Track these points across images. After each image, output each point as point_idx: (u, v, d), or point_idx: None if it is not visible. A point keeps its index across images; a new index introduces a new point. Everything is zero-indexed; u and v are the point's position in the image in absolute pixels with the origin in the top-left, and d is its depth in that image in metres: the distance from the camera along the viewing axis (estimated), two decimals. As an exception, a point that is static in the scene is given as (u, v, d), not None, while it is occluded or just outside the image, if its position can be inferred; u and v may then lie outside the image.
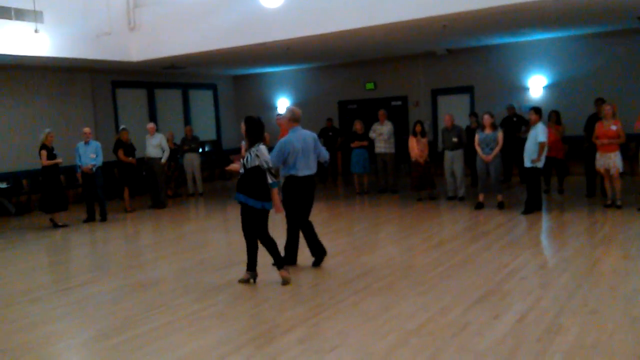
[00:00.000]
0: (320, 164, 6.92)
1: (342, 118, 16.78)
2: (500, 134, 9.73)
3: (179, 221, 11.02)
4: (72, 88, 14.18)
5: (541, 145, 9.04)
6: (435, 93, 15.58)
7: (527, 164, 9.21)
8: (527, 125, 9.84)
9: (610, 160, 9.08)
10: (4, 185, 12.64)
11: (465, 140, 10.98)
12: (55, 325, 5.26)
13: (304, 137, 6.61)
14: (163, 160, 12.40)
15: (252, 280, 6.14)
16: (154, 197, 12.44)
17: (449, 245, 7.46)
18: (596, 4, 9.47)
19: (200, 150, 15.07)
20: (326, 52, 13.58)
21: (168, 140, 12.94)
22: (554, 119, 10.85)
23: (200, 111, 17.87)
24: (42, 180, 10.69)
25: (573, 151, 12.52)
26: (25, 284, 6.84)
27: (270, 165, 5.96)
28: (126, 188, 11.93)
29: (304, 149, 6.53)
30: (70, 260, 8.48)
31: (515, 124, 12.36)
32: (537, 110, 9.34)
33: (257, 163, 5.91)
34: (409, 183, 11.84)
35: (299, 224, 6.76)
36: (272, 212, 6.16)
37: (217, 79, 18.37)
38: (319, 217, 10.47)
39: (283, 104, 18.04)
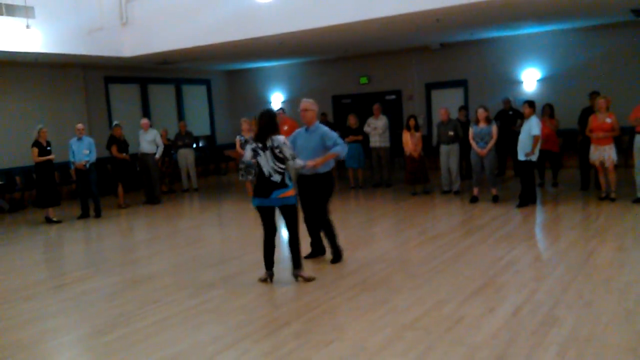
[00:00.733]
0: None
1: (337, 113, 16.76)
2: (494, 128, 9.74)
3: (173, 217, 11.00)
4: (64, 84, 14.09)
5: (535, 139, 9.06)
6: (429, 87, 15.58)
7: (521, 157, 9.22)
8: (523, 118, 9.85)
9: (605, 153, 9.10)
10: (-3, 182, 12.59)
11: (461, 134, 10.98)
12: (49, 322, 5.24)
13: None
14: (157, 156, 12.37)
15: (269, 280, 5.94)
16: (148, 193, 12.40)
17: (443, 239, 7.47)
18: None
19: (194, 145, 15.02)
20: (320, 46, 13.55)
21: (162, 136, 12.89)
22: (547, 112, 10.87)
23: (193, 106, 17.81)
24: (36, 176, 10.65)
25: (567, 144, 12.57)
26: (20, 281, 6.81)
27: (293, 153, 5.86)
28: (120, 184, 11.89)
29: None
30: (64, 257, 8.44)
31: (511, 117, 12.37)
32: (530, 103, 9.36)
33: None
34: (403, 177, 11.85)
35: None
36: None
37: (210, 74, 18.30)
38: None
39: (277, 98, 18.01)
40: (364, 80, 16.38)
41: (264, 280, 5.94)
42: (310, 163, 6.10)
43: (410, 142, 11.02)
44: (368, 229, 8.96)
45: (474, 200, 9.96)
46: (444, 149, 10.99)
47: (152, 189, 12.34)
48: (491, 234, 7.61)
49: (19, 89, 13.24)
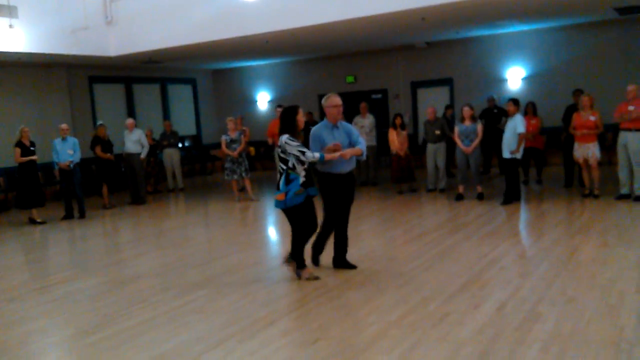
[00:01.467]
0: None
1: (323, 112, 16.71)
2: (480, 126, 9.80)
3: (158, 217, 10.94)
4: (48, 84, 13.96)
5: (520, 137, 9.13)
6: (415, 85, 15.63)
7: (506, 155, 9.28)
8: (507, 116, 9.92)
9: (589, 151, 9.19)
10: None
11: (448, 132, 11.03)
12: (33, 324, 5.19)
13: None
14: (142, 156, 12.30)
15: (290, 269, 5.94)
16: (134, 193, 12.33)
17: (429, 237, 7.51)
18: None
19: (180, 145, 14.96)
20: (306, 45, 13.54)
21: (147, 136, 12.82)
22: (530, 110, 10.94)
23: (179, 106, 17.72)
24: (19, 177, 10.55)
25: (551, 142, 12.67)
26: (3, 282, 6.75)
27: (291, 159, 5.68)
28: (105, 184, 11.80)
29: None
30: (48, 258, 8.37)
31: (496, 115, 12.45)
32: (515, 101, 9.42)
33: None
34: (389, 176, 11.88)
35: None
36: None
37: (196, 73, 18.22)
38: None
39: (263, 98, 17.97)
40: (350, 79, 16.40)
41: (314, 278, 5.79)
42: (336, 155, 5.74)
43: (396, 140, 11.05)
44: (354, 228, 8.93)
45: (459, 198, 10.01)
46: (430, 147, 11.03)
47: (137, 189, 12.27)
48: (476, 232, 7.65)
49: (2, 89, 13.11)
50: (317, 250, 6.34)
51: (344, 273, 6.04)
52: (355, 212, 10.04)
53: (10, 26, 10.41)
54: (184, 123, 17.50)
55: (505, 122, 9.99)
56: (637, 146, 8.67)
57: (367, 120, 12.43)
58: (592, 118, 9.16)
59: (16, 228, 10.41)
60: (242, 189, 12.06)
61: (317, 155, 5.60)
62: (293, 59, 16.80)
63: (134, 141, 12.20)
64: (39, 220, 10.52)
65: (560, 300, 4.79)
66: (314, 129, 6.14)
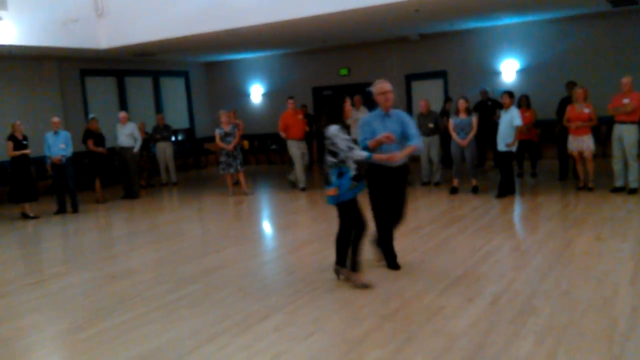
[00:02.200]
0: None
1: (317, 104, 16.70)
2: (474, 119, 9.79)
3: (152, 211, 10.89)
4: (39, 77, 13.83)
5: (518, 129, 9.11)
6: (409, 78, 15.59)
7: (501, 147, 9.27)
8: (501, 109, 9.91)
9: (583, 143, 9.19)
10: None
11: (442, 125, 11.01)
12: (26, 319, 5.16)
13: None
14: (135, 150, 12.22)
15: (381, 264, 5.69)
16: (127, 187, 12.26)
17: (423, 230, 7.50)
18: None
19: (173, 138, 14.89)
20: (299, 37, 13.47)
21: (139, 130, 12.74)
22: (524, 102, 10.93)
23: (172, 99, 17.62)
24: (11, 171, 10.47)
25: (545, 134, 12.67)
26: (-5, 277, 6.70)
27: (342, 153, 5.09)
28: (97, 178, 11.74)
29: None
30: (41, 253, 8.32)
31: (490, 107, 12.44)
32: (510, 94, 9.40)
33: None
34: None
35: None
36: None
37: (188, 66, 18.11)
38: (295, 204, 10.47)
39: (256, 90, 17.90)
40: (343, 71, 16.34)
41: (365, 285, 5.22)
42: (384, 157, 5.25)
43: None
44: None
45: (453, 191, 10.00)
46: (424, 140, 10.99)
47: (130, 183, 12.20)
48: (471, 225, 7.65)
49: (-7, 83, 12.99)
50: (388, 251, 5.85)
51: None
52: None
53: (0, 19, 10.29)
54: (177, 116, 17.41)
55: (499, 114, 9.98)
56: (632, 139, 8.67)
57: (361, 114, 12.35)
58: (586, 110, 9.16)
59: (9, 223, 10.34)
60: (236, 183, 12.02)
61: (364, 154, 5.05)
62: (286, 51, 16.72)
63: (127, 135, 12.12)
64: (31, 214, 10.45)
65: (554, 293, 4.79)
66: (364, 118, 5.74)
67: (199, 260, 6.75)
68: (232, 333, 4.41)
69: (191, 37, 11.82)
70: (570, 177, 10.34)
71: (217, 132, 11.44)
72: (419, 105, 11.50)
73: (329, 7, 9.93)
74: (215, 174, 14.11)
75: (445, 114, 12.18)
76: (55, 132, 10.73)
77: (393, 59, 15.66)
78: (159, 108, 16.84)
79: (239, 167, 11.39)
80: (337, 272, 5.45)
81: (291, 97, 12.13)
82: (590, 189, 9.22)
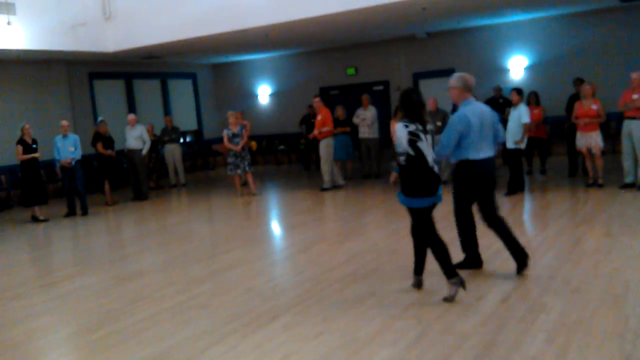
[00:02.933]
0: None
1: (325, 104, 16.66)
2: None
3: (161, 213, 10.93)
4: (48, 81, 13.94)
5: (526, 127, 9.07)
6: (417, 77, 15.55)
7: (510, 145, 9.23)
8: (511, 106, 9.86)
9: (592, 140, 9.14)
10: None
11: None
12: (38, 321, 5.19)
13: (481, 110, 5.25)
14: (144, 152, 12.27)
15: (417, 286, 5.08)
16: (136, 189, 12.31)
17: (432, 229, 7.46)
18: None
19: (181, 140, 14.93)
20: (306, 38, 13.48)
21: (148, 132, 12.79)
22: (533, 100, 10.88)
23: (180, 101, 17.69)
24: (21, 175, 10.55)
25: (555, 131, 12.60)
26: (7, 280, 6.75)
27: (400, 150, 4.72)
28: (106, 181, 11.79)
29: (481, 125, 5.15)
30: (52, 255, 8.38)
31: (501, 105, 12.39)
32: (518, 91, 9.37)
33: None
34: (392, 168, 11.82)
35: (468, 220, 5.63)
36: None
37: (196, 68, 18.17)
38: (304, 204, 10.48)
39: (264, 91, 17.93)
40: (351, 71, 16.33)
41: (451, 298, 4.71)
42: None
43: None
44: (358, 220, 8.95)
45: (462, 189, 9.95)
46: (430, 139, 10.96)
47: (139, 186, 12.25)
48: (479, 222, 7.60)
49: (1, 87, 13.08)
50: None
51: (347, 266, 6.02)
52: (358, 205, 10.10)
53: (9, 23, 10.37)
54: (185, 118, 17.47)
55: (508, 112, 9.93)
56: (642, 135, 8.62)
57: (369, 113, 12.38)
58: (594, 107, 9.10)
59: (19, 226, 10.42)
60: (244, 184, 12.04)
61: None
62: (293, 51, 16.74)
63: (136, 137, 12.17)
64: (41, 217, 10.52)
65: (564, 290, 4.77)
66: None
67: (208, 261, 6.77)
68: (242, 333, 4.42)
69: (198, 39, 11.86)
70: (580, 174, 10.28)
71: (225, 133, 11.46)
72: (427, 103, 11.44)
73: (336, 7, 9.93)
74: (224, 175, 14.15)
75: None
76: (64, 136, 10.79)
77: (400, 57, 15.64)
78: (167, 110, 16.91)
79: (247, 168, 11.41)
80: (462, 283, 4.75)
81: (317, 96, 11.93)
82: (600, 186, 9.16)
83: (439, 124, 10.88)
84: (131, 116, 12.50)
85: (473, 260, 5.58)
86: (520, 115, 9.10)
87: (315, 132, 11.41)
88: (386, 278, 5.50)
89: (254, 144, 14.97)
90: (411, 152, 4.64)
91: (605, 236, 6.47)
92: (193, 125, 18.09)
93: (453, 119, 5.22)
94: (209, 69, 18.68)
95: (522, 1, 10.97)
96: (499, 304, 4.57)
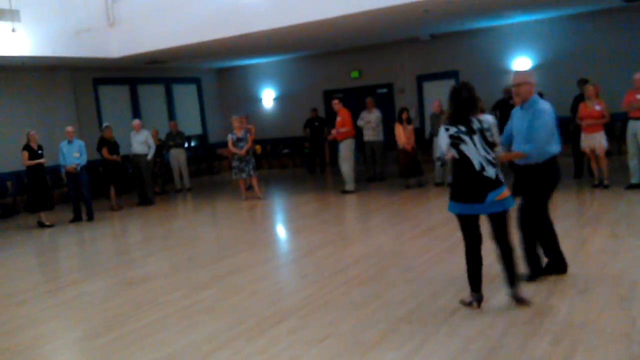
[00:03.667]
0: None
1: (328, 108, 16.70)
2: (490, 118, 9.69)
3: (166, 218, 10.95)
4: (53, 87, 14.00)
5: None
6: (421, 79, 15.55)
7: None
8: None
9: (595, 141, 9.10)
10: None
11: None
12: (44, 327, 5.21)
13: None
14: (149, 157, 12.30)
15: (475, 304, 4.58)
16: (141, 194, 12.34)
17: (437, 231, 7.46)
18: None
19: (186, 145, 14.97)
20: (309, 41, 13.50)
21: (153, 137, 12.82)
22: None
23: (184, 106, 17.72)
24: (27, 180, 10.60)
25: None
26: (13, 286, 6.77)
27: (438, 154, 4.59)
28: (112, 186, 11.82)
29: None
30: (57, 261, 8.40)
31: (511, 106, 12.33)
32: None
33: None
34: (396, 170, 11.83)
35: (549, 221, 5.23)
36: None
37: (200, 73, 18.22)
38: (308, 207, 10.47)
39: (268, 95, 17.95)
40: (355, 74, 16.34)
41: (469, 304, 4.56)
42: (501, 155, 4.66)
43: (402, 135, 10.99)
44: (362, 223, 8.95)
45: (467, 191, 9.92)
46: (437, 141, 10.94)
47: (144, 190, 12.28)
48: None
49: (7, 93, 13.13)
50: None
51: (352, 269, 6.01)
52: (362, 208, 10.10)
53: (14, 30, 10.42)
54: (189, 123, 17.49)
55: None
56: (647, 135, 8.58)
57: (373, 115, 12.38)
58: (597, 107, 9.07)
59: (25, 231, 10.45)
60: (249, 188, 12.05)
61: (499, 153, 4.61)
62: (297, 55, 16.76)
63: (141, 142, 12.20)
64: (47, 223, 10.55)
65: (570, 292, 4.75)
66: (512, 111, 5.22)
67: (214, 266, 6.77)
68: (247, 337, 4.42)
69: (202, 44, 11.89)
70: (586, 175, 10.25)
71: (230, 138, 11.49)
72: (431, 106, 11.46)
73: (338, 11, 9.93)
74: (229, 179, 14.17)
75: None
76: (70, 141, 10.83)
77: (404, 60, 15.63)
78: (171, 115, 16.95)
79: (251, 172, 11.42)
80: (514, 297, 4.50)
81: (336, 97, 11.88)
82: (606, 187, 9.12)
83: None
84: (136, 121, 12.54)
85: (559, 263, 5.19)
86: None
87: (334, 132, 11.42)
88: (391, 281, 5.48)
89: (258, 147, 15.00)
90: (456, 156, 4.41)
91: (611, 237, 6.44)
92: (197, 130, 18.13)
93: (544, 115, 4.88)
94: (213, 73, 18.72)
95: (525, 2, 10.94)
96: (504, 307, 4.55)
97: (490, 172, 4.34)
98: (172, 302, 5.50)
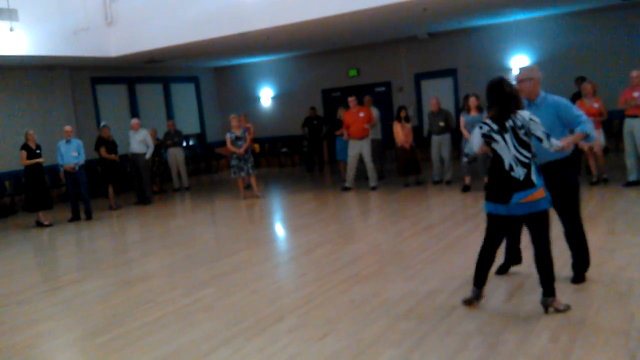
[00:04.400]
0: None
1: (327, 106, 16.73)
2: (486, 116, 9.72)
3: (165, 217, 10.96)
4: (51, 86, 13.98)
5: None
6: (419, 77, 15.56)
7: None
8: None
9: (594, 138, 9.12)
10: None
11: (453, 124, 10.98)
12: (43, 326, 5.21)
13: None
14: (147, 156, 12.29)
15: (474, 300, 4.58)
16: (139, 193, 12.34)
17: (436, 229, 7.48)
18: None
19: (184, 144, 14.96)
20: (307, 40, 13.50)
21: (151, 136, 12.81)
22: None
23: (182, 105, 17.71)
24: (25, 180, 10.59)
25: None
26: (12, 285, 6.77)
27: (466, 150, 4.49)
28: (110, 185, 11.81)
29: None
30: (56, 260, 8.39)
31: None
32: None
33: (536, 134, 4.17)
34: (395, 169, 11.84)
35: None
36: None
37: (198, 72, 18.21)
38: (307, 206, 10.48)
39: (266, 94, 17.95)
40: (353, 72, 16.34)
41: (468, 302, 4.56)
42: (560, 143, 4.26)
43: (401, 133, 11.01)
44: (361, 222, 8.97)
45: (465, 189, 9.97)
46: (435, 139, 10.98)
47: (142, 190, 12.28)
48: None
49: (5, 93, 13.12)
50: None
51: (351, 267, 6.02)
52: (361, 206, 10.11)
53: (11, 29, 10.41)
54: (187, 122, 17.50)
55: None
56: (644, 132, 8.60)
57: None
58: (595, 105, 9.10)
59: (23, 231, 10.44)
60: (248, 187, 12.05)
61: (559, 144, 4.25)
62: (295, 54, 16.76)
63: (139, 141, 12.19)
64: (46, 222, 10.55)
65: (568, 289, 4.76)
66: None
67: (213, 264, 6.77)
68: (247, 336, 4.43)
69: (200, 43, 11.89)
70: (583, 172, 10.26)
71: (228, 136, 11.49)
72: (429, 104, 11.47)
73: (336, 9, 9.93)
74: (227, 178, 14.18)
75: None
76: (68, 141, 10.82)
77: (402, 58, 15.64)
78: (169, 114, 16.94)
79: (250, 171, 11.43)
80: (546, 306, 4.30)
81: (351, 95, 11.85)
82: (605, 180, 9.16)
83: (441, 124, 10.89)
84: (135, 120, 12.53)
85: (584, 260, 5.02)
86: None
87: (365, 126, 11.33)
88: (390, 279, 5.50)
89: (257, 146, 15.00)
90: (489, 154, 4.36)
91: (609, 234, 6.46)
92: (196, 129, 18.12)
93: (564, 100, 4.73)
94: (211, 72, 18.72)
95: (522, 0, 10.95)
96: (502, 304, 4.57)
97: (519, 172, 4.14)
98: (171, 301, 5.51)
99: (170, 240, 8.70)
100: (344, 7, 9.85)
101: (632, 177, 8.89)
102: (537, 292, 4.70)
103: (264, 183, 13.78)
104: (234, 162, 11.52)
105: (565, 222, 4.86)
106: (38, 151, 10.49)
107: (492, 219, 4.47)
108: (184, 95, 17.82)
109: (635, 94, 8.63)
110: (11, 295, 6.32)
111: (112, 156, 11.72)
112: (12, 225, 11.31)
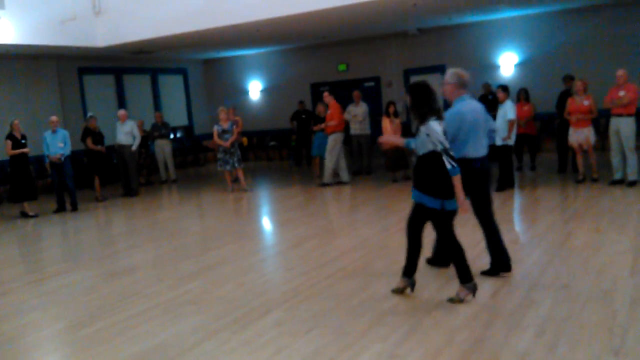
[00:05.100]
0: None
1: (315, 100, 16.68)
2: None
3: (151, 209, 10.90)
4: (37, 76, 13.82)
5: (511, 123, 9.14)
6: (408, 73, 15.57)
7: (498, 142, 9.27)
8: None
9: (584, 135, 9.21)
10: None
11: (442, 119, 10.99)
12: (28, 317, 5.17)
13: (474, 108, 5.08)
14: (134, 148, 12.20)
15: (409, 290, 4.86)
16: (126, 185, 12.26)
17: (423, 225, 7.48)
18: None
19: (172, 136, 14.87)
20: (297, 33, 13.46)
21: (138, 127, 12.71)
22: (522, 96, 10.92)
23: (170, 96, 17.59)
24: (10, 170, 10.47)
25: (544, 128, 12.67)
26: (-5, 276, 6.71)
27: (447, 146, 4.49)
28: (96, 177, 11.72)
29: (475, 123, 5.01)
30: (42, 251, 8.32)
31: (491, 102, 12.42)
32: (504, 88, 9.44)
33: (430, 147, 4.52)
34: (383, 164, 11.86)
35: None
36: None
37: (186, 63, 18.09)
38: (295, 200, 10.48)
39: (255, 87, 17.89)
40: (342, 67, 16.32)
41: (401, 291, 4.87)
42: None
43: (389, 128, 11.02)
44: (349, 216, 8.97)
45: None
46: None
47: (129, 181, 12.20)
48: (470, 218, 7.62)
49: (-9, 82, 12.97)
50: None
51: (338, 262, 6.03)
52: (349, 201, 10.11)
53: (-2, 18, 10.29)
54: (175, 114, 17.39)
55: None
56: (629, 132, 8.68)
57: (360, 109, 12.39)
58: (585, 103, 9.17)
59: (8, 222, 10.34)
60: (236, 180, 12.01)
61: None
62: (285, 47, 16.70)
63: (126, 132, 12.10)
64: (31, 213, 10.45)
65: (554, 285, 4.80)
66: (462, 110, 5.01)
67: (199, 257, 6.75)
68: (233, 329, 4.42)
69: (189, 34, 11.80)
70: (570, 170, 10.35)
71: (215, 129, 11.45)
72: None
73: (327, 3, 9.90)
74: (214, 170, 14.12)
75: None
76: (54, 131, 10.71)
77: (392, 53, 15.65)
78: (157, 106, 16.83)
79: (236, 164, 11.39)
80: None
81: (327, 90, 11.78)
82: (594, 180, 9.23)
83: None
84: (122, 112, 12.43)
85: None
86: (506, 111, 9.17)
87: (322, 125, 11.35)
88: (377, 274, 5.51)
89: (244, 140, 14.96)
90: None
91: (594, 232, 6.52)
92: (183, 121, 18.02)
93: (447, 116, 4.89)
94: (199, 64, 18.60)
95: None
96: (488, 299, 4.60)
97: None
98: (157, 293, 5.48)
99: (157, 233, 8.66)
100: (334, 1, 9.83)
101: (617, 175, 8.97)
102: (523, 289, 4.75)
103: (252, 176, 13.75)
104: (220, 155, 11.48)
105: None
106: (23, 141, 10.38)
107: (449, 215, 4.81)
108: (172, 87, 17.71)
109: (621, 93, 8.70)
110: (-5, 286, 6.27)
111: (99, 147, 11.62)
112: (-4, 215, 11.20)
